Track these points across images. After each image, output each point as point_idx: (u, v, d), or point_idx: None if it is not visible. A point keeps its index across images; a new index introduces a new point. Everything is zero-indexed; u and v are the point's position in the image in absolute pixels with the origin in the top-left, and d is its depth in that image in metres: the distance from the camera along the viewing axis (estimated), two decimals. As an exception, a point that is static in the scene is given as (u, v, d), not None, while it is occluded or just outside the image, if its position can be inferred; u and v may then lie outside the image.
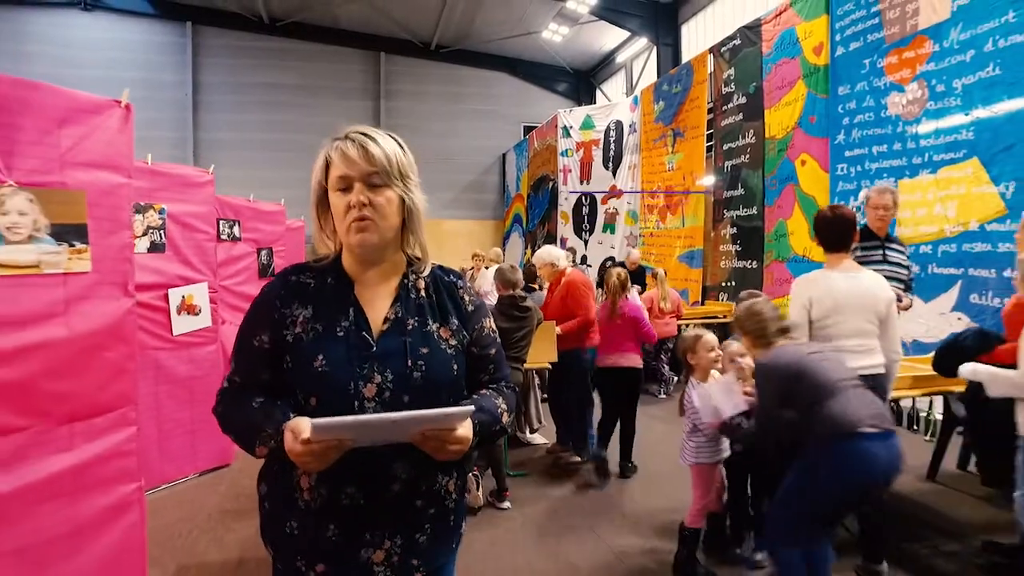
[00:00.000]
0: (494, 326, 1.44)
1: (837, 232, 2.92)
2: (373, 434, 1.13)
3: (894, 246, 3.99)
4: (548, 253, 4.95)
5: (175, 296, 4.17)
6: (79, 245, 2.38)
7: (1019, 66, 5.09)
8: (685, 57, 12.80)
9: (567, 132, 12.82)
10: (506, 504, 3.98)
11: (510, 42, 16.81)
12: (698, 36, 13.29)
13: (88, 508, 2.43)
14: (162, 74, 16.32)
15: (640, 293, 7.51)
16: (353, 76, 17.59)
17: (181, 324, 4.21)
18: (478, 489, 3.91)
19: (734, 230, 8.87)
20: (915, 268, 4.06)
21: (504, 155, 18.18)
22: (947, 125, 5.70)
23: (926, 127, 5.90)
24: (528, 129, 16.94)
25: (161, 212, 4.01)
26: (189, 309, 4.26)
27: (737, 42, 8.79)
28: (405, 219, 1.31)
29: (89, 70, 15.69)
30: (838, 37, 7.04)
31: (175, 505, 3.84)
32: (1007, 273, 5.08)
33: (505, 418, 1.35)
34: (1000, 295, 4.88)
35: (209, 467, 4.50)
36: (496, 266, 5.64)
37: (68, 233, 2.34)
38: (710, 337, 3.10)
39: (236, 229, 5.50)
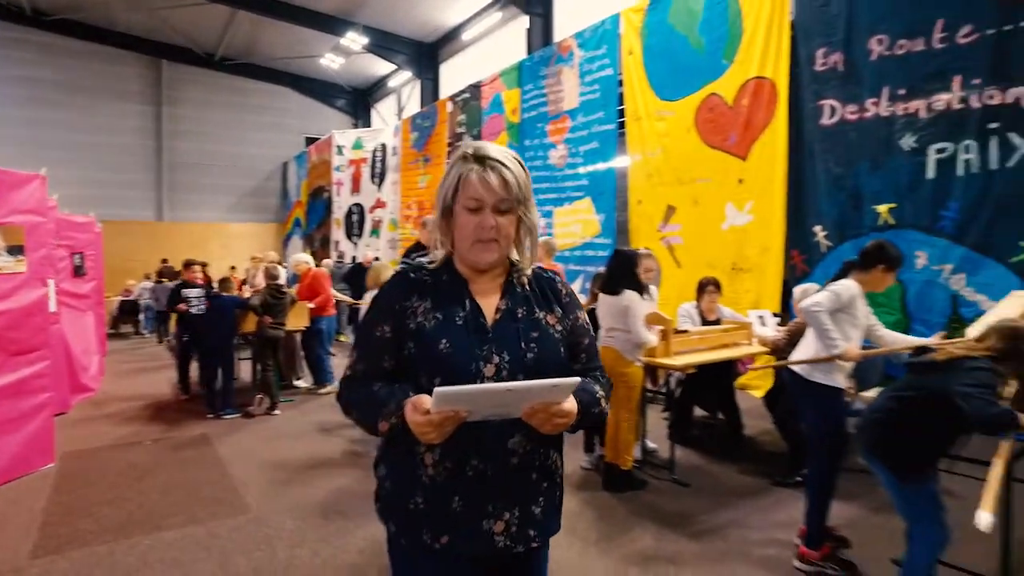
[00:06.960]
0: (587, 319, 1.52)
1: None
2: (488, 406, 1.19)
3: None
4: (301, 257, 7.80)
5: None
6: (20, 257, 4.28)
7: (606, 144, 8.41)
8: (443, 91, 15.44)
9: (340, 151, 14.92)
10: (277, 412, 6.40)
11: (295, 60, 18.24)
12: (454, 74, 15.95)
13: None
14: None
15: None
16: (131, 79, 17.70)
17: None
18: (260, 405, 6.25)
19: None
20: (560, 268, 7.11)
21: (286, 164, 19.50)
22: (577, 174, 8.96)
23: (567, 174, 9.14)
24: (310, 140, 18.48)
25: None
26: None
27: (467, 95, 11.63)
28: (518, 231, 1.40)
29: None
30: (524, 106, 10.12)
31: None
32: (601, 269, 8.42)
33: (603, 403, 1.42)
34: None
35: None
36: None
37: (15, 250, 4.24)
38: None
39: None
